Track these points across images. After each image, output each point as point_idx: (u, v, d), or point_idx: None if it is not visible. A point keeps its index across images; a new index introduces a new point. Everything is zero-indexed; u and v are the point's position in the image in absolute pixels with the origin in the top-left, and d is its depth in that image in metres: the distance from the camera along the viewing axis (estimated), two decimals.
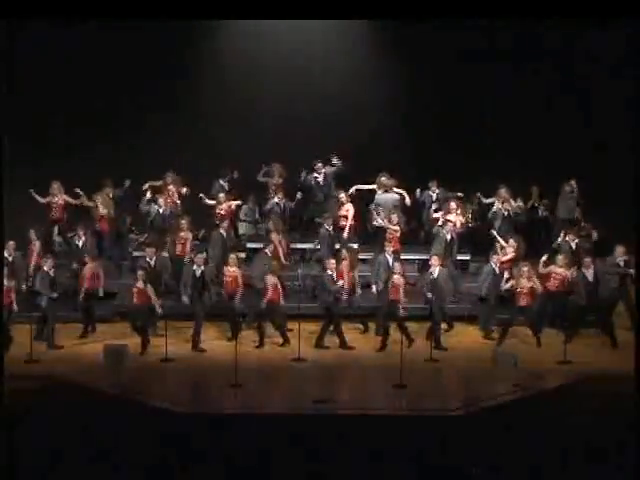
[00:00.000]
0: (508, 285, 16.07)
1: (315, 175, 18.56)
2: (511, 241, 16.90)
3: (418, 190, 18.52)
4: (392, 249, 16.85)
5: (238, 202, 18.41)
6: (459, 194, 18.14)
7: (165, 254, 17.10)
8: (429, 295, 15.88)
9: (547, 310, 16.38)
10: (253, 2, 14.43)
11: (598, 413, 13.11)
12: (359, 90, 19.87)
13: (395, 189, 18.35)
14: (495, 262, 16.57)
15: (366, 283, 16.68)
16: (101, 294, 16.51)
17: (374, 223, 17.87)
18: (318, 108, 19.75)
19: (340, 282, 15.91)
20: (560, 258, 16.44)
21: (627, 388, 12.76)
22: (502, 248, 16.84)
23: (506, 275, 16.22)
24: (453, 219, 17.50)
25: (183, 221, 17.36)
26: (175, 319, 16.32)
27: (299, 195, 18.48)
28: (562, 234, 17.45)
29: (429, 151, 19.43)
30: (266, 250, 16.90)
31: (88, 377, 14.58)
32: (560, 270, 16.32)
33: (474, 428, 12.85)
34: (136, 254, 17.98)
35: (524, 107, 19.28)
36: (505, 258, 16.65)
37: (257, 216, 19.16)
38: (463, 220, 17.61)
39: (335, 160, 18.52)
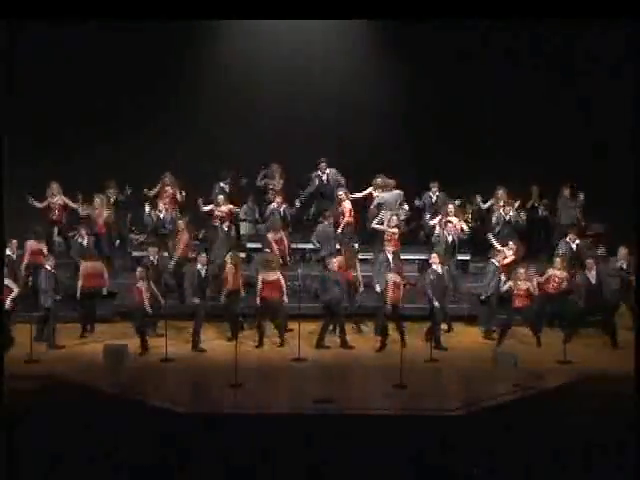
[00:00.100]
0: (506, 287, 16.09)
1: (319, 173, 18.57)
2: (510, 244, 16.88)
3: (417, 200, 18.49)
4: (392, 249, 16.85)
5: (237, 209, 18.31)
6: (457, 201, 17.90)
7: (165, 254, 17.12)
8: (430, 293, 15.81)
9: (546, 311, 16.38)
10: (253, 2, 14.42)
11: (598, 413, 13.09)
12: (359, 90, 19.88)
13: (395, 190, 18.32)
14: (498, 261, 16.58)
15: (368, 283, 16.66)
16: (105, 293, 16.54)
17: (373, 226, 17.83)
18: (318, 108, 19.76)
19: (340, 279, 15.90)
20: (558, 261, 16.43)
21: (627, 388, 12.76)
22: (498, 252, 16.82)
23: (503, 277, 16.24)
24: (454, 221, 17.47)
25: (181, 222, 17.36)
26: (175, 319, 16.34)
27: (297, 203, 18.46)
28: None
29: (429, 151, 19.44)
30: (265, 250, 16.93)
31: (88, 377, 14.56)
32: (558, 273, 16.33)
33: (474, 428, 12.84)
34: (136, 254, 17.99)
35: (524, 107, 19.28)
36: (505, 261, 16.65)
37: (257, 216, 19.16)
38: (466, 227, 17.52)
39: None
